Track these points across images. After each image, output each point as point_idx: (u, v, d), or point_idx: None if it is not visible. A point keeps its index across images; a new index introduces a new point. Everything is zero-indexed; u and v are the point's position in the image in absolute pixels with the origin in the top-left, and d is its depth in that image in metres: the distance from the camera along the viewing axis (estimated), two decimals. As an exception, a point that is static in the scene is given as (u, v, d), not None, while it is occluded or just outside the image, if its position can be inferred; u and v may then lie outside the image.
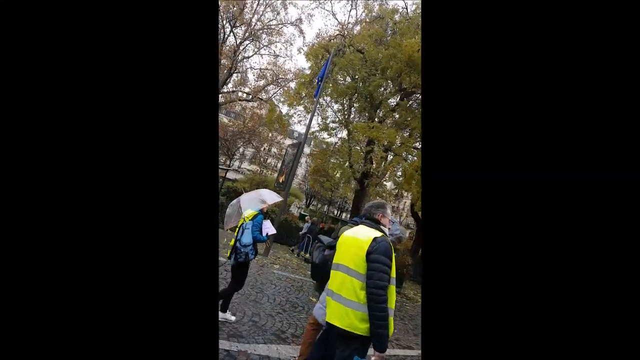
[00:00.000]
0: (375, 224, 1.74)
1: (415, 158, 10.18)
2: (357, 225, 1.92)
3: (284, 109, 13.03)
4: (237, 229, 3.11)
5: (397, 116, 11.49)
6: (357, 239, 1.64)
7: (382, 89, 10.73)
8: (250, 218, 3.13)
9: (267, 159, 24.91)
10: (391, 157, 10.68)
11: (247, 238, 2.98)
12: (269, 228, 3.17)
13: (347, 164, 11.65)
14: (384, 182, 12.62)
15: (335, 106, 11.65)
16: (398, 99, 11.26)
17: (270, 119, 12.06)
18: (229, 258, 3.05)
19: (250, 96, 15.39)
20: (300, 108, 12.01)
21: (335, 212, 25.03)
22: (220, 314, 3.07)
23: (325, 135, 12.20)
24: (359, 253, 1.58)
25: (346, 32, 11.68)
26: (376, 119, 11.15)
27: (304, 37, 16.75)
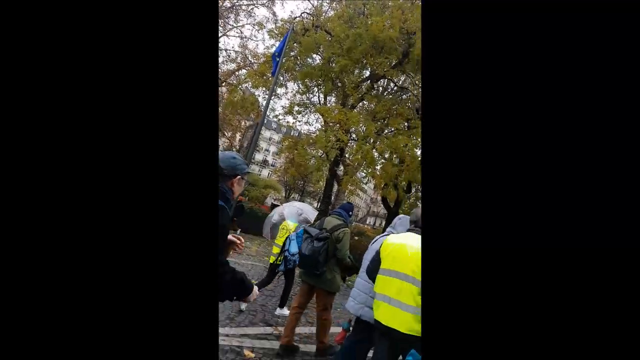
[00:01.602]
0: None
1: (378, 143, 9.75)
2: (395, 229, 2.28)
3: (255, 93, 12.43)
4: (284, 240, 3.58)
5: (366, 103, 11.06)
6: (414, 246, 1.77)
7: (350, 72, 10.23)
8: (293, 230, 3.73)
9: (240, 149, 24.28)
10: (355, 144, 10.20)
11: (294, 248, 3.47)
12: None
13: (318, 152, 11.24)
14: (359, 173, 12.26)
15: (301, 88, 11.11)
16: (367, 84, 10.80)
17: (230, 99, 11.43)
18: (278, 265, 3.65)
19: (219, 80, 14.63)
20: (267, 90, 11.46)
21: (316, 204, 24.66)
22: (279, 310, 3.82)
23: (290, 119, 11.70)
24: (417, 262, 1.70)
25: (315, 12, 11.11)
26: (349, 105, 10.71)
27: (276, 20, 15.73)
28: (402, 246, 1.82)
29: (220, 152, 1.32)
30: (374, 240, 2.42)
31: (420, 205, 2.31)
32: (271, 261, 3.92)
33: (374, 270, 1.96)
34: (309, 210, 4.16)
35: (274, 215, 4.34)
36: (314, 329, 3.29)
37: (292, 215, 4.06)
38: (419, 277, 1.68)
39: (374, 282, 1.98)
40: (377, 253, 1.95)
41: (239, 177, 1.32)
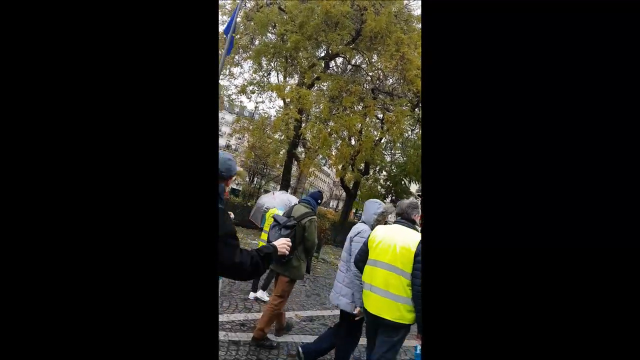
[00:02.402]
0: (412, 224, 1.94)
1: (332, 123, 9.74)
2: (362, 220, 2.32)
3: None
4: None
5: (324, 85, 10.94)
6: (401, 241, 1.83)
7: (304, 48, 10.03)
8: None
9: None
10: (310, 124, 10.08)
11: None
12: None
13: (277, 134, 11.04)
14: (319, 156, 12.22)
15: (254, 66, 10.79)
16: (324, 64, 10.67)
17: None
18: None
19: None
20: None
21: (279, 188, 24.35)
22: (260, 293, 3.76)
23: (244, 99, 11.37)
24: (406, 254, 1.77)
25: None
26: (306, 85, 10.54)
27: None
28: (390, 240, 1.87)
29: None
30: (354, 232, 2.38)
31: (406, 197, 2.53)
32: None
33: (360, 261, 2.02)
34: (295, 201, 4.18)
35: (265, 204, 4.34)
36: (249, 315, 3.19)
37: (282, 203, 4.03)
38: (408, 269, 1.75)
39: (361, 271, 2.03)
40: (365, 244, 2.01)
41: (233, 177, 1.38)
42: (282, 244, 1.38)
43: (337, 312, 4.21)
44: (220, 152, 1.40)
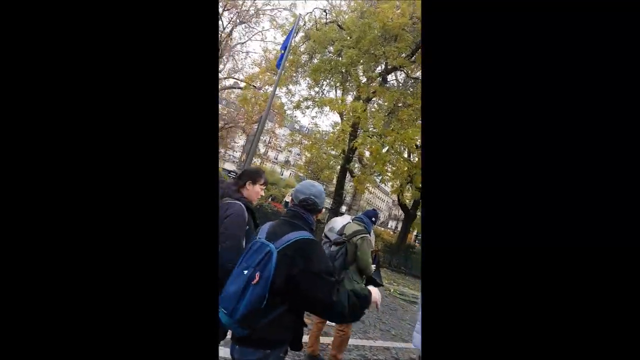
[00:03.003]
0: None
1: (388, 137, 9.28)
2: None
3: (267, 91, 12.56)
4: None
5: (380, 100, 10.64)
6: None
7: (360, 63, 9.92)
8: None
9: (267, 150, 24.75)
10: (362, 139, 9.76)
11: None
12: None
13: (331, 149, 11.06)
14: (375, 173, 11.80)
15: (310, 82, 11.01)
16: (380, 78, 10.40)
17: (245, 97, 11.63)
18: None
19: (243, 84, 15.01)
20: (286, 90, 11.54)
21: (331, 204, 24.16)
22: None
23: (298, 114, 11.65)
24: None
25: (331, 9, 11.04)
26: (362, 100, 10.42)
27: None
28: None
29: (312, 184, 1.28)
30: None
31: None
32: None
33: None
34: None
35: (337, 228, 4.42)
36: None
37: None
38: None
39: None
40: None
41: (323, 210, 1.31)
42: (377, 293, 1.24)
43: (382, 343, 3.82)
44: (316, 183, 1.29)
